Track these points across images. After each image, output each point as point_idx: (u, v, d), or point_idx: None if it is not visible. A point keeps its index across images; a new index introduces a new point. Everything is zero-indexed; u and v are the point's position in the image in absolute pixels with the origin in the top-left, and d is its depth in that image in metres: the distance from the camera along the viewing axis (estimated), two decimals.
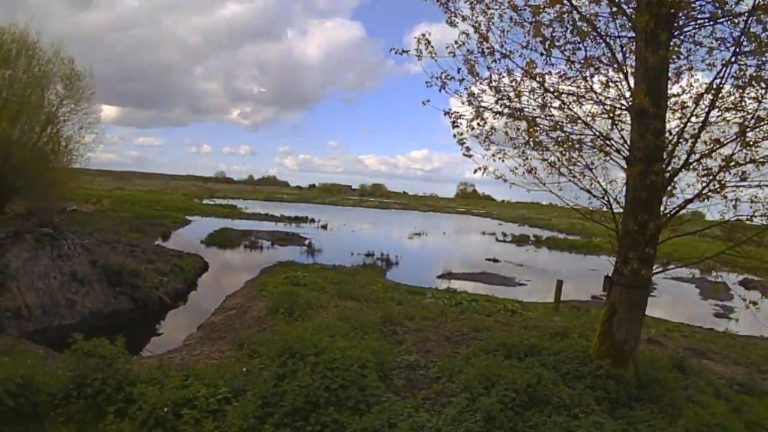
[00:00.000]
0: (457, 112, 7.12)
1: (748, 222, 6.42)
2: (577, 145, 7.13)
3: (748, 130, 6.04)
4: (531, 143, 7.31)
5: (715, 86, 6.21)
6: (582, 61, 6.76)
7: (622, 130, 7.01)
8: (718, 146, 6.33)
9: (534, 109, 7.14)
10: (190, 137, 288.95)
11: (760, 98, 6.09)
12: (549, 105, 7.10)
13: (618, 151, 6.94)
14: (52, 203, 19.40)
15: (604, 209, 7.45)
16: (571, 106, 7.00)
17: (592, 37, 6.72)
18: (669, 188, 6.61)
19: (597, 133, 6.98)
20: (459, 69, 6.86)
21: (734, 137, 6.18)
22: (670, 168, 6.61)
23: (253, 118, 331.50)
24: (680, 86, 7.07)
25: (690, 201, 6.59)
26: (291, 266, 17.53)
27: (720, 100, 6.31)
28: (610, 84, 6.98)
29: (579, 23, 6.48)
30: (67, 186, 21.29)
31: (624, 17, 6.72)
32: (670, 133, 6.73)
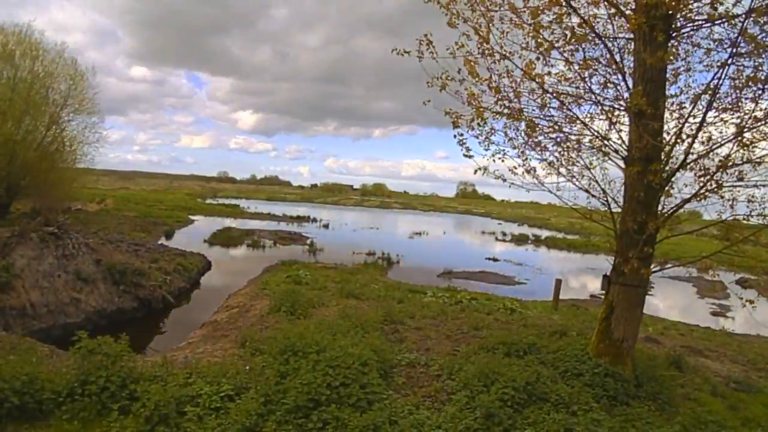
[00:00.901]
0: (457, 112, 7.19)
1: (744, 221, 6.48)
2: (575, 146, 7.20)
3: (745, 130, 6.10)
4: (530, 143, 7.38)
5: (712, 87, 6.27)
6: (581, 63, 6.82)
7: (621, 130, 7.08)
8: (715, 146, 6.40)
9: (533, 110, 7.21)
10: (313, 146, 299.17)
11: (757, 99, 6.14)
12: (548, 105, 7.16)
13: (616, 151, 6.99)
14: (56, 202, 19.55)
15: (603, 209, 7.50)
16: (570, 107, 7.06)
17: (590, 38, 6.77)
18: (667, 188, 6.67)
19: (595, 134, 7.04)
20: (459, 69, 6.93)
21: (731, 137, 6.24)
22: (667, 168, 6.67)
23: (389, 133, 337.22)
24: (678, 87, 7.13)
25: (688, 201, 6.64)
26: (293, 265, 17.57)
27: (717, 101, 6.37)
28: (609, 85, 7.04)
29: (577, 30, 6.52)
30: (72, 185, 21.46)
31: (623, 18, 6.77)
32: (668, 134, 6.79)
